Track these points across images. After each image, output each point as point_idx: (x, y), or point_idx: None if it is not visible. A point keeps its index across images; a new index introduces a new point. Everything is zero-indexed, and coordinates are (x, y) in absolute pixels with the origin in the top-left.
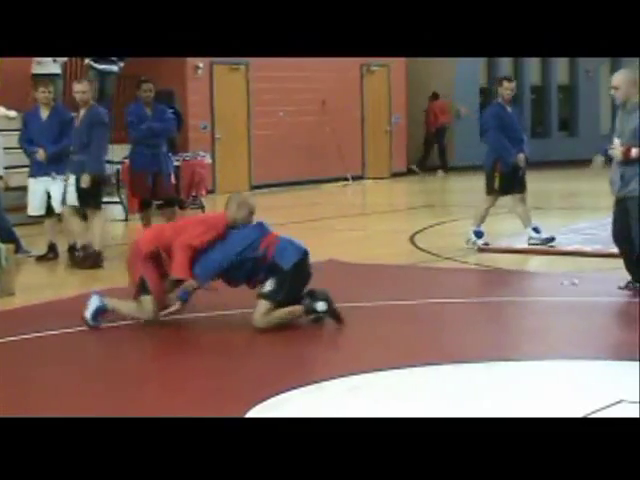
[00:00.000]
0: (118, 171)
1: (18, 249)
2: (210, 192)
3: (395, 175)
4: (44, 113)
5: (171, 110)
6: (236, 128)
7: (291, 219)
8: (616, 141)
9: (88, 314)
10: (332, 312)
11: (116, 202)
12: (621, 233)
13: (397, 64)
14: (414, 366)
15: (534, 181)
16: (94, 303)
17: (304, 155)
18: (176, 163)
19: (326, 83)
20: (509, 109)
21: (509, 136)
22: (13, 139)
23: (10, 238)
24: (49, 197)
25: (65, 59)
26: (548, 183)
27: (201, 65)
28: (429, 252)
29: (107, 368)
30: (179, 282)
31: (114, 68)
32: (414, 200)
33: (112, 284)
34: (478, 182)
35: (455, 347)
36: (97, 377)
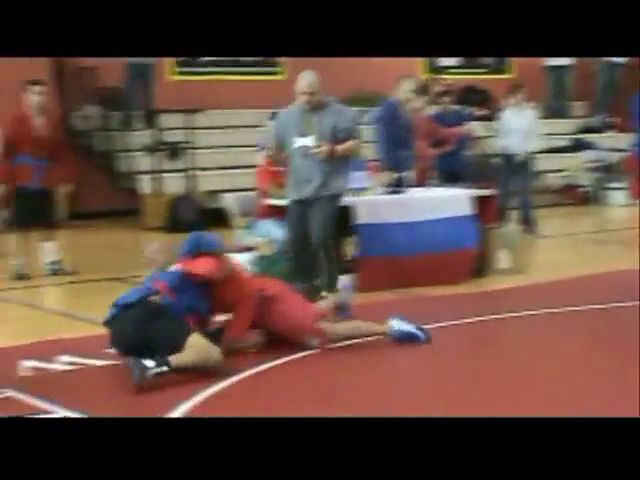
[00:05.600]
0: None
1: (531, 230)
2: None
3: None
4: None
5: None
6: None
7: None
8: (307, 140)
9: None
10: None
11: (620, 188)
12: (301, 237)
13: None
14: None
15: None
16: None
17: None
18: None
19: None
20: None
21: None
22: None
23: (527, 218)
24: None
25: None
26: None
27: None
28: None
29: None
30: None
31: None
32: None
33: None
34: None
35: None
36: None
